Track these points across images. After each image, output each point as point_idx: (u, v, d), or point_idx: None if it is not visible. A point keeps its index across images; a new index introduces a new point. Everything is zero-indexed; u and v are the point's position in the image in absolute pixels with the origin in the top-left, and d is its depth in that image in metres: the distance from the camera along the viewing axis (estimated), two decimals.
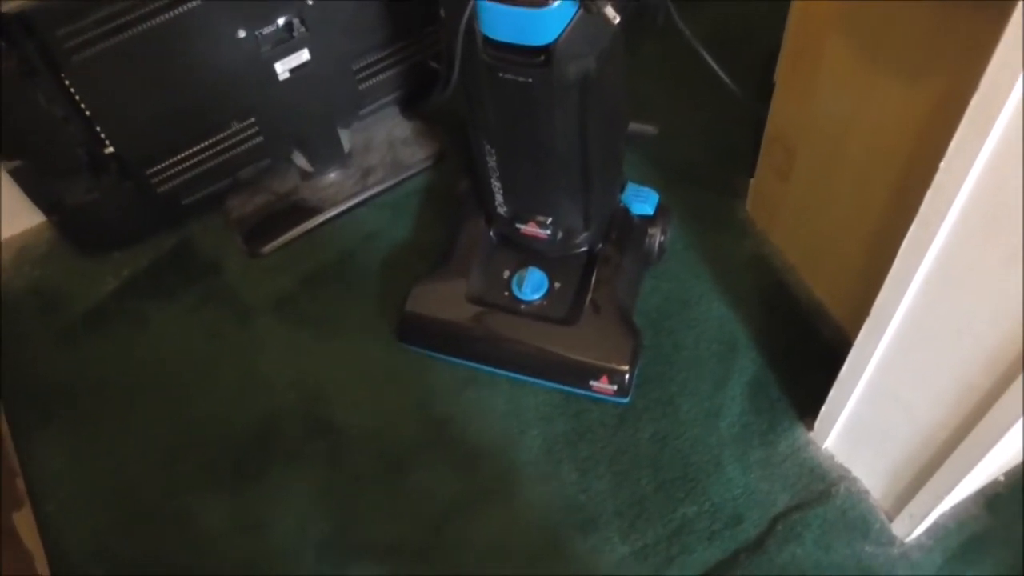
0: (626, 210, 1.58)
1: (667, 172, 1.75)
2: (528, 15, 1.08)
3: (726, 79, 1.21)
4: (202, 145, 1.58)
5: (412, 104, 1.83)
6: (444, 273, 1.57)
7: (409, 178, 1.80)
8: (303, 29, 1.49)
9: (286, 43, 1.50)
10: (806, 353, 1.55)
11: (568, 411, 1.52)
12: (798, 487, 1.42)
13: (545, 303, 1.53)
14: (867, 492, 1.40)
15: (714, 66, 1.20)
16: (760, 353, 1.56)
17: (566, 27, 1.10)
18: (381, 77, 1.69)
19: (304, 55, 1.53)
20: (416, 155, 1.81)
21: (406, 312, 1.56)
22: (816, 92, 1.35)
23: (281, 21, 1.47)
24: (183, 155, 1.58)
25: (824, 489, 1.41)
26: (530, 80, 1.16)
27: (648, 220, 1.58)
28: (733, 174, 1.71)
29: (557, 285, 1.54)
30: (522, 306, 1.53)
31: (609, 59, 1.19)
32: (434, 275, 1.57)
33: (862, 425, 1.34)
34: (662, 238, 1.59)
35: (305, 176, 1.77)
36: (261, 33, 1.46)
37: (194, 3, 1.36)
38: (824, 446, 1.44)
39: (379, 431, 1.53)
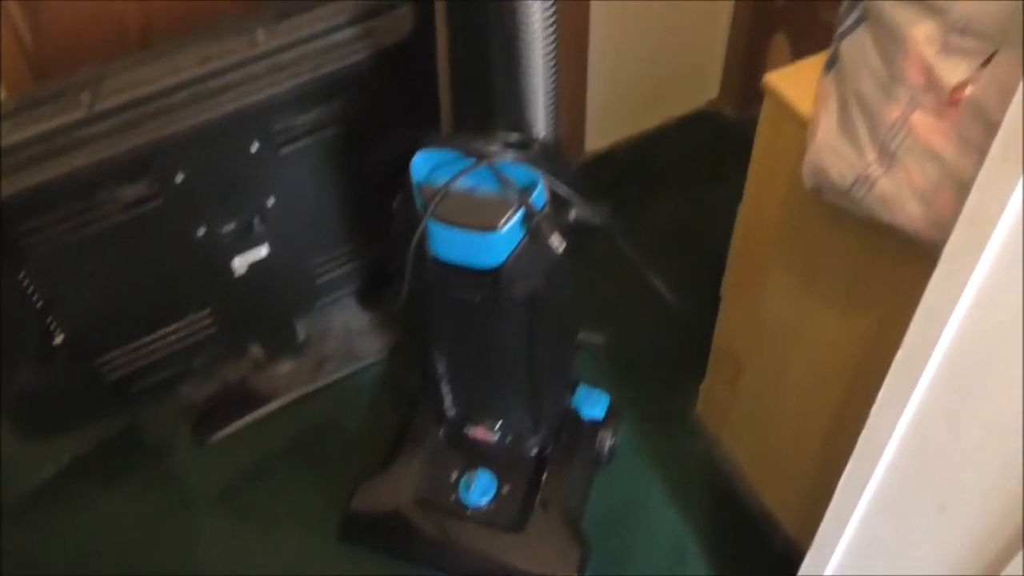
0: (576, 413, 1.58)
1: (618, 373, 1.76)
2: (477, 239, 1.11)
3: (670, 299, 1.24)
4: (155, 335, 1.58)
5: (369, 295, 1.85)
6: (392, 472, 1.55)
7: (363, 369, 1.80)
8: (262, 227, 1.52)
9: (245, 240, 1.52)
10: (757, 564, 1.53)
11: None
12: None
13: (492, 508, 1.51)
14: None
15: (661, 288, 1.23)
16: (710, 562, 1.54)
17: (513, 251, 1.13)
18: (339, 271, 1.72)
19: (263, 251, 1.55)
20: (371, 346, 1.82)
21: (350, 510, 1.53)
22: (760, 310, 1.38)
23: (241, 220, 1.49)
24: (135, 345, 1.58)
25: None
26: (479, 298, 1.19)
27: (598, 423, 1.59)
28: (684, 377, 1.73)
29: (505, 489, 1.52)
30: (469, 511, 1.51)
31: (557, 277, 1.22)
32: (381, 474, 1.55)
33: None
34: (612, 441, 1.59)
35: (258, 365, 1.77)
36: (221, 231, 1.48)
37: (154, 204, 1.39)
38: None
39: None
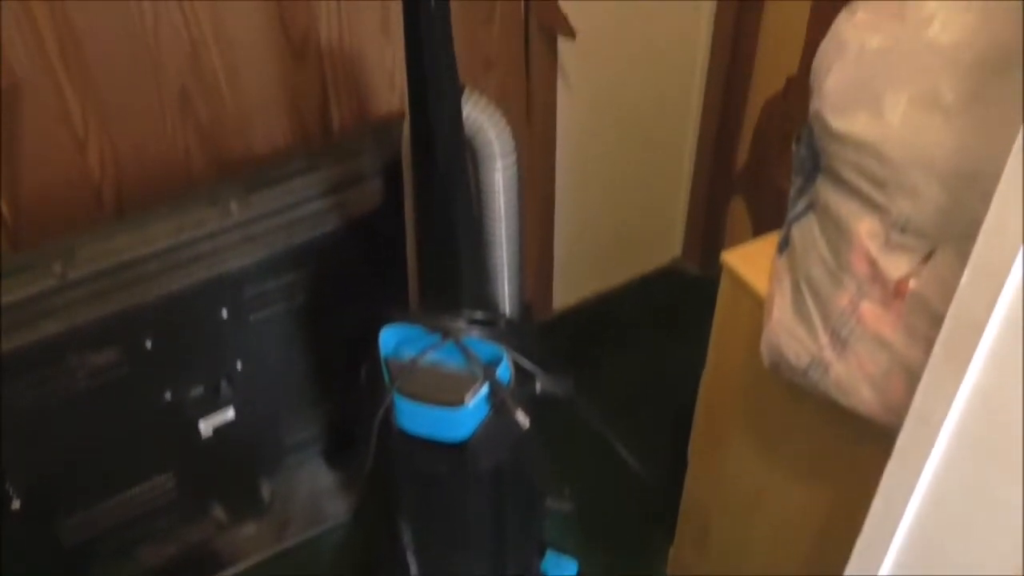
0: None
1: (587, 538, 1.75)
2: (443, 414, 1.12)
3: (636, 466, 1.25)
4: (116, 499, 1.56)
5: (335, 455, 1.84)
6: None
7: (327, 532, 1.77)
8: (230, 391, 1.52)
9: (212, 403, 1.52)
10: None
11: None
12: None
13: None
14: None
15: (626, 456, 1.24)
16: None
17: (479, 425, 1.14)
18: (306, 432, 1.71)
19: (229, 414, 1.55)
20: (336, 507, 1.80)
21: None
22: (725, 475, 1.39)
23: (209, 384, 1.50)
24: (95, 509, 1.55)
25: None
26: (445, 470, 1.19)
27: None
28: (652, 539, 1.72)
29: None
30: None
31: (523, 449, 1.23)
32: None
33: None
34: None
35: (221, 526, 1.74)
36: (188, 395, 1.48)
37: (122, 370, 1.39)
38: None
39: None
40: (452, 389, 1.12)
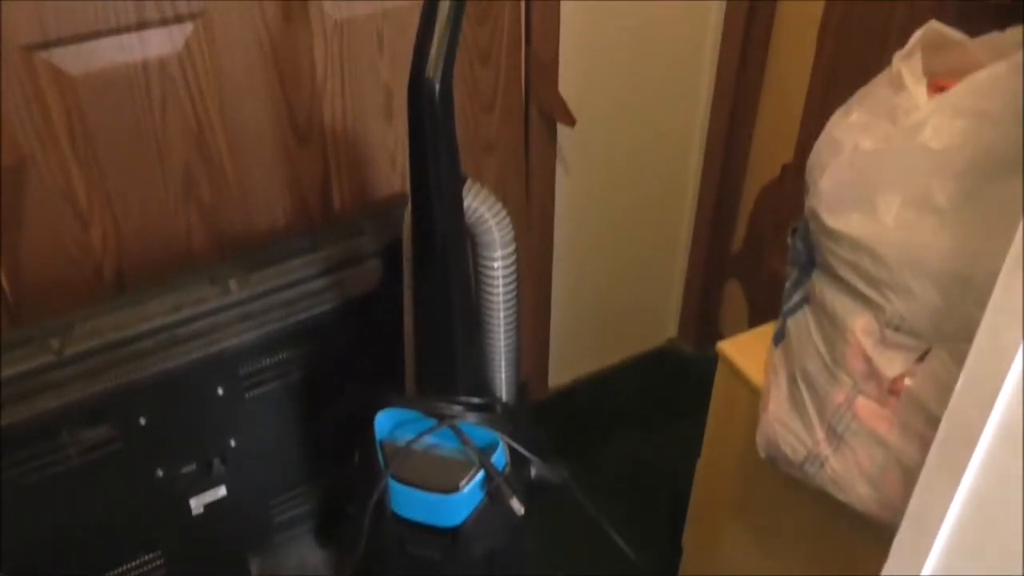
0: None
1: None
2: (437, 500, 1.12)
3: (630, 554, 1.24)
4: None
5: (326, 532, 1.81)
6: None
7: None
8: (222, 468, 1.51)
9: (204, 480, 1.51)
10: None
11: None
12: None
13: None
14: None
15: (621, 543, 1.23)
16: None
17: (473, 511, 1.13)
18: (297, 509, 1.69)
19: (221, 491, 1.53)
20: None
21: None
22: (720, 564, 1.38)
23: (202, 461, 1.49)
24: None
25: None
26: (438, 556, 1.18)
27: None
28: None
29: None
30: None
31: (517, 535, 1.22)
32: None
33: None
34: None
35: None
36: (180, 472, 1.47)
37: (115, 447, 1.38)
38: None
39: None
40: (447, 475, 1.12)
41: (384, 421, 1.16)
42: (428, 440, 1.13)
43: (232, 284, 1.43)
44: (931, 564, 0.75)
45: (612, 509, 1.37)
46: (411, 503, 1.14)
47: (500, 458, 1.13)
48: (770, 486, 1.18)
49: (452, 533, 1.15)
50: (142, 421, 1.39)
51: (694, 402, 2.14)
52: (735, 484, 1.28)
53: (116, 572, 1.54)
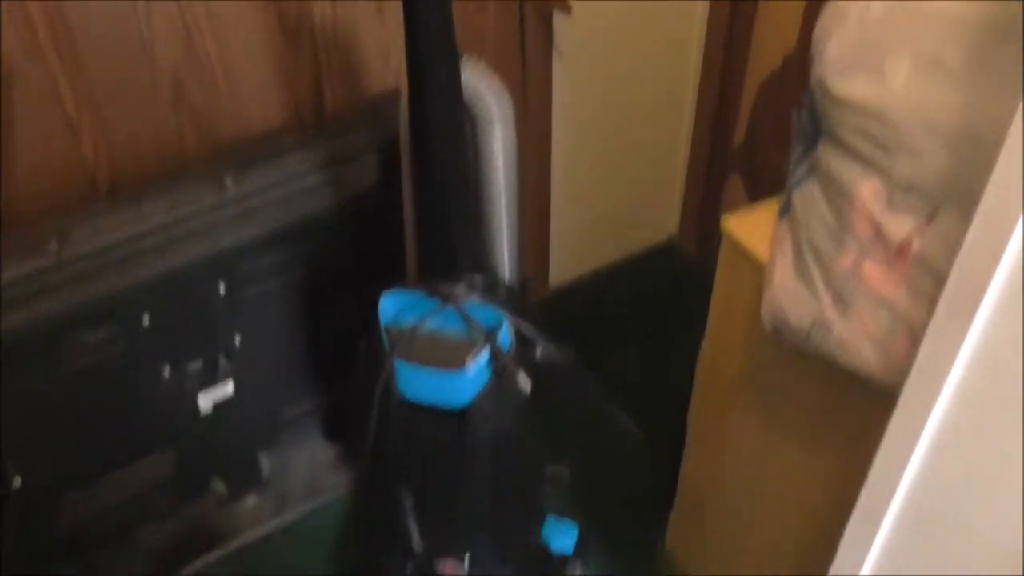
0: (546, 548, 1.56)
1: (587, 506, 1.75)
2: (444, 379, 1.13)
3: (636, 433, 1.25)
4: (117, 475, 1.55)
5: (335, 429, 1.84)
6: None
7: (328, 504, 1.77)
8: (228, 365, 1.52)
9: (211, 378, 1.52)
10: None
11: None
12: None
13: None
14: None
15: (625, 421, 1.24)
16: None
17: (480, 391, 1.14)
18: (304, 404, 1.71)
19: (228, 389, 1.55)
20: (336, 480, 1.80)
21: None
22: (725, 447, 1.40)
23: (207, 359, 1.50)
24: (96, 486, 1.54)
25: None
26: (446, 437, 1.19)
27: (567, 557, 1.57)
28: (652, 507, 1.72)
29: None
30: None
31: (523, 416, 1.23)
32: None
33: None
34: (582, 574, 1.57)
35: (221, 501, 1.74)
36: (186, 370, 1.48)
37: (119, 347, 1.39)
38: None
39: None
40: (453, 355, 1.12)
41: (388, 305, 1.15)
42: (433, 322, 1.13)
43: (228, 182, 1.42)
44: (937, 414, 0.76)
45: (616, 402, 1.38)
46: (418, 385, 1.15)
47: (505, 338, 1.14)
48: (775, 362, 1.19)
49: (460, 414, 1.16)
50: (145, 321, 1.39)
51: (694, 299, 2.15)
52: (739, 364, 1.28)
53: (129, 470, 1.57)
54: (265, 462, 1.76)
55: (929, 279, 0.88)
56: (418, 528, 1.42)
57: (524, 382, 1.10)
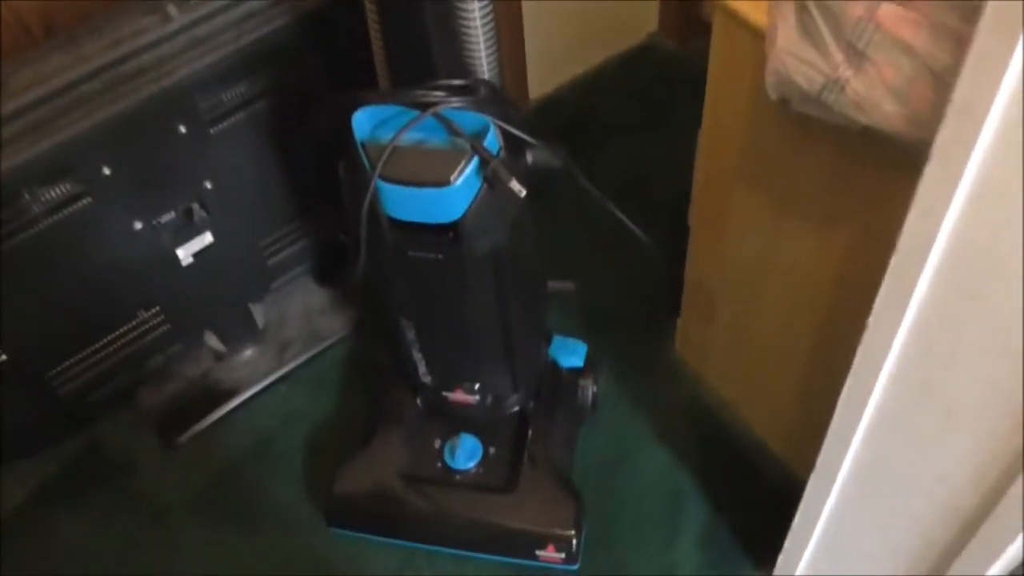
0: (555, 365, 1.53)
1: (592, 320, 1.71)
2: (431, 195, 1.05)
3: (640, 234, 1.19)
4: (106, 340, 1.50)
5: (325, 273, 1.77)
6: (372, 450, 1.49)
7: (328, 349, 1.73)
8: (204, 213, 1.44)
9: (187, 228, 1.44)
10: (754, 495, 1.50)
11: None
12: None
13: (481, 471, 1.46)
14: None
15: (628, 223, 1.18)
16: (707, 501, 1.50)
17: (472, 203, 1.07)
18: (290, 250, 1.64)
19: (207, 238, 1.47)
20: (333, 324, 1.75)
21: (334, 494, 1.47)
22: (730, 239, 1.34)
23: (180, 208, 1.41)
24: (85, 354, 1.49)
25: None
26: (440, 256, 1.12)
27: (578, 372, 1.54)
28: (658, 315, 1.69)
29: (492, 450, 1.47)
30: (457, 476, 1.45)
31: (520, 228, 1.16)
32: (362, 453, 1.49)
33: None
34: (594, 389, 1.54)
35: (219, 357, 1.70)
36: (159, 222, 1.40)
37: (83, 202, 1.30)
38: None
39: None
40: (439, 167, 1.04)
41: (363, 121, 1.06)
42: (413, 134, 1.04)
43: (171, 10, 1.29)
44: (979, 156, 0.69)
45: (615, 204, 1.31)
46: (406, 203, 1.07)
47: (493, 142, 1.05)
48: (780, 136, 1.11)
49: (453, 229, 1.09)
50: (105, 171, 1.30)
51: (680, 98, 2.05)
52: (741, 145, 1.20)
53: (117, 334, 1.51)
54: (258, 313, 1.70)
55: (955, 13, 0.79)
56: (424, 358, 1.38)
57: (518, 189, 1.02)
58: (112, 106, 1.26)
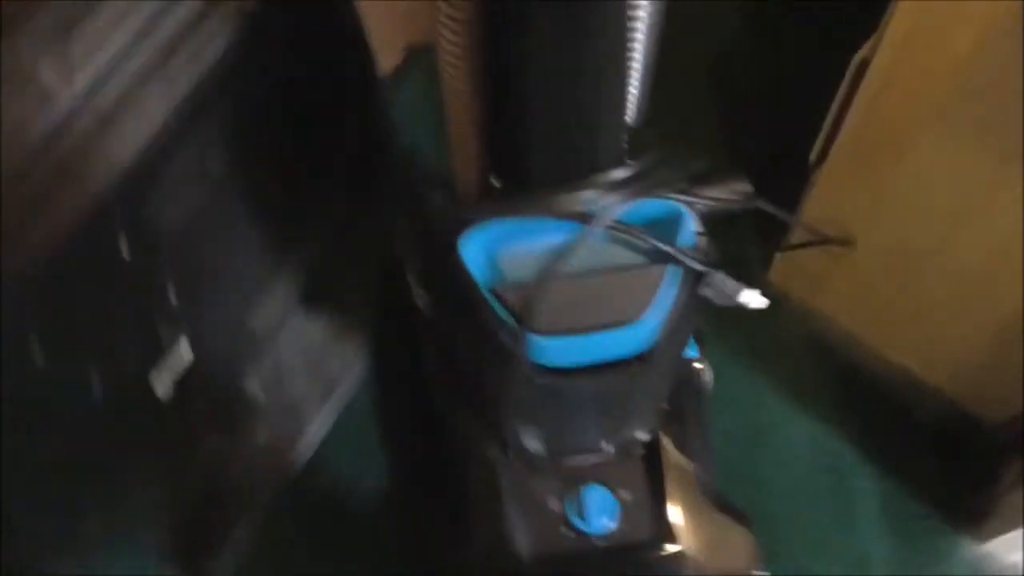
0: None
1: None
2: (612, 337, 0.69)
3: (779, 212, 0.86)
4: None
5: (313, 293, 1.38)
6: (475, 532, 1.18)
7: (351, 394, 1.38)
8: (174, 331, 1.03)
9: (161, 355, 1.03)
10: (923, 441, 1.28)
11: None
12: None
13: (624, 525, 1.17)
14: None
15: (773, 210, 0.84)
16: (872, 463, 1.27)
17: (664, 323, 0.71)
18: (273, 303, 1.24)
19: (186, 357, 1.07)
20: (343, 356, 1.40)
21: None
22: (900, 186, 1.02)
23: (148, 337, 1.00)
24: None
25: None
26: (618, 390, 0.78)
27: (692, 361, 1.24)
28: (736, 245, 1.37)
29: (625, 495, 1.18)
30: (598, 540, 1.16)
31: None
32: (466, 541, 1.18)
33: None
34: (710, 371, 1.25)
35: (223, 455, 1.32)
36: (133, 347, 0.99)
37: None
38: (1011, 559, 1.19)
39: None
40: (619, 293, 0.67)
41: (474, 250, 0.67)
42: (572, 261, 0.66)
43: (77, 76, 0.82)
44: None
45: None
46: (568, 351, 0.71)
47: (687, 231, 0.68)
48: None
49: (639, 359, 0.73)
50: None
51: None
52: (954, 60, 0.86)
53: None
54: (254, 385, 1.31)
55: None
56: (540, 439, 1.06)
57: (757, 298, 0.67)
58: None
